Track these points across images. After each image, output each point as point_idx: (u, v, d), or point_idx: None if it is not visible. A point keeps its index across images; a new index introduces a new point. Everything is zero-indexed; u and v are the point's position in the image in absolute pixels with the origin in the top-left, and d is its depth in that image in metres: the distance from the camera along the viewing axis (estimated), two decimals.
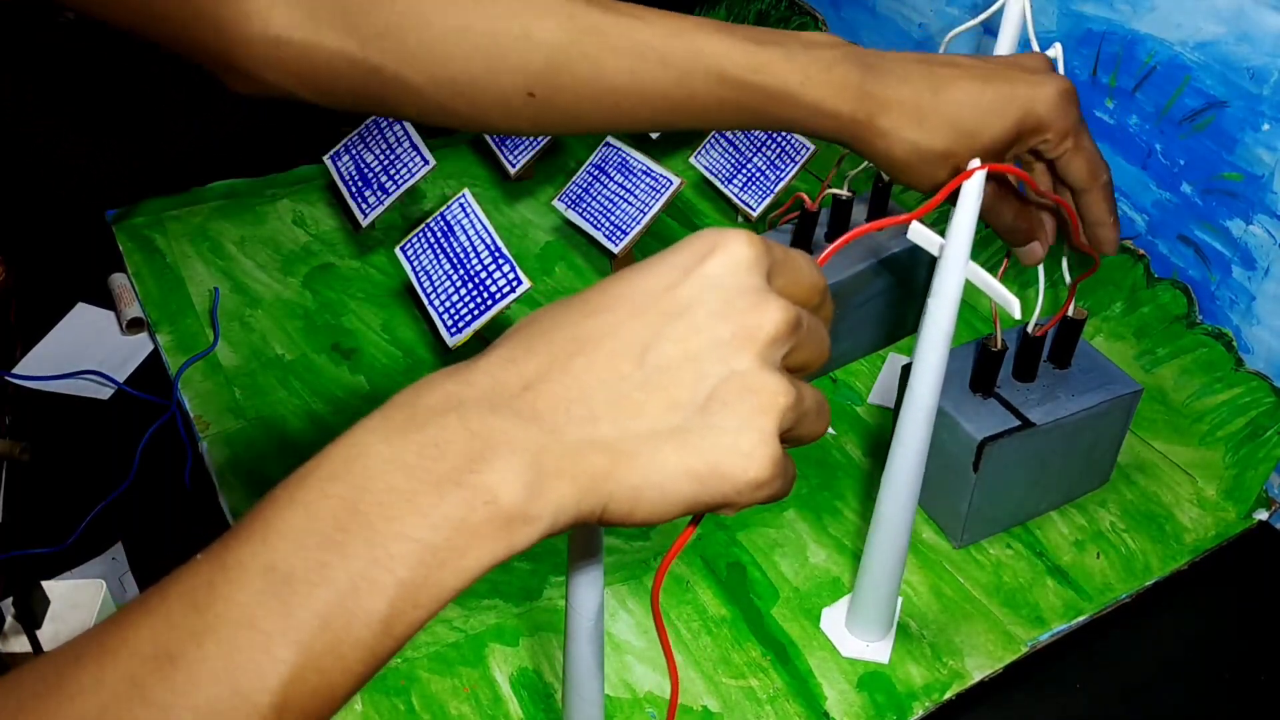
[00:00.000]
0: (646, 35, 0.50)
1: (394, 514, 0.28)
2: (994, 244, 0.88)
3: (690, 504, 0.32)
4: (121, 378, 0.82)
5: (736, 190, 0.96)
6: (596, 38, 0.49)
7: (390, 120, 0.95)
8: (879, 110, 0.50)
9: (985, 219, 0.53)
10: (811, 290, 0.36)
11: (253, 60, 0.48)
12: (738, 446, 0.31)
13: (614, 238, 0.89)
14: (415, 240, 0.86)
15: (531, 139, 1.01)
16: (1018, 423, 0.66)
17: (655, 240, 0.96)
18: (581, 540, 0.46)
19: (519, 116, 0.50)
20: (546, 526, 0.30)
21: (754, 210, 0.94)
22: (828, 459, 0.77)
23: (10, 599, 0.50)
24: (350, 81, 0.49)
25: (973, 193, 0.48)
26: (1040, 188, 0.54)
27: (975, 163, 0.48)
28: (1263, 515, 0.72)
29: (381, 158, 0.94)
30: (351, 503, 0.28)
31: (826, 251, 0.41)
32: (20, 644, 0.50)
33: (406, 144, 0.94)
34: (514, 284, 0.78)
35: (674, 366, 0.32)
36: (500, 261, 0.79)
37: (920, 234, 0.51)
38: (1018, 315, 0.50)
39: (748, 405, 0.32)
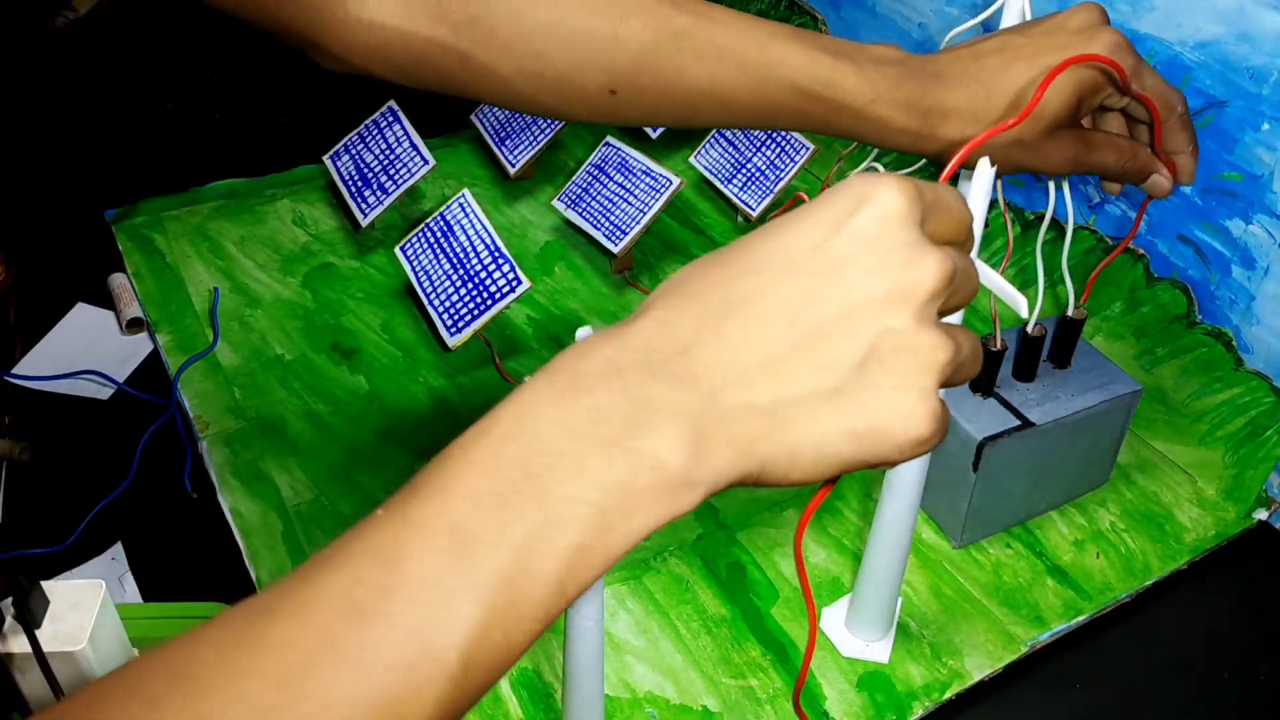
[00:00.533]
0: (729, 41, 0.51)
1: (564, 477, 0.29)
2: (995, 243, 0.88)
3: (850, 463, 0.32)
4: (121, 378, 0.82)
5: (736, 190, 0.96)
6: (681, 41, 0.51)
7: (390, 120, 0.95)
8: (940, 121, 0.52)
9: (1095, 174, 0.56)
10: (961, 227, 0.35)
11: (343, 42, 0.50)
12: (898, 406, 0.31)
13: (614, 237, 0.89)
14: (415, 240, 0.86)
15: (531, 139, 1.01)
16: (1018, 423, 0.66)
17: (655, 240, 0.96)
18: None
19: (597, 111, 0.52)
20: (707, 490, 0.30)
21: (754, 210, 0.94)
22: None
23: (10, 599, 0.50)
24: (438, 68, 0.50)
25: (980, 191, 0.48)
26: (1106, 58, 0.54)
27: (984, 162, 0.48)
28: (1262, 515, 0.72)
29: (381, 158, 0.94)
30: (525, 464, 0.29)
31: (947, 169, 0.41)
32: (20, 644, 0.50)
33: (406, 144, 0.94)
34: (514, 284, 0.78)
35: (828, 327, 0.31)
36: (500, 261, 0.79)
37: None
38: (1025, 314, 0.50)
39: (906, 364, 0.31)
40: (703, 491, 0.30)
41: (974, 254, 0.49)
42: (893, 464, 0.32)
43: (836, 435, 0.31)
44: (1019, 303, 0.49)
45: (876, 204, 0.32)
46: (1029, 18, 0.64)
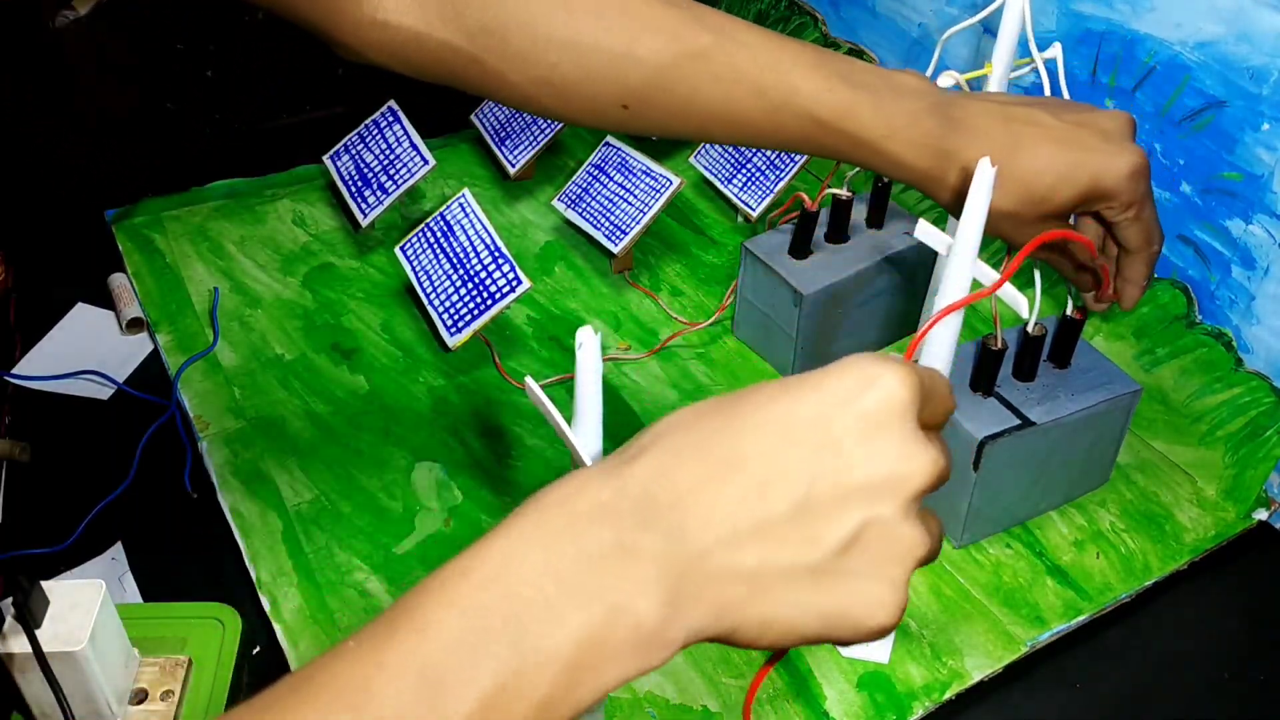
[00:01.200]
0: (746, 65, 0.50)
1: (543, 630, 0.29)
2: (995, 243, 0.88)
3: (814, 639, 0.33)
4: (121, 378, 0.82)
5: (736, 190, 0.96)
6: (699, 63, 0.50)
7: (390, 120, 0.95)
8: (953, 168, 0.51)
9: (1053, 267, 0.58)
10: (946, 413, 0.36)
11: (359, 39, 0.51)
12: (870, 594, 0.32)
13: (614, 237, 0.89)
14: (415, 240, 0.86)
15: (531, 139, 1.01)
16: (1018, 422, 0.66)
17: (655, 240, 0.96)
18: None
19: (609, 122, 0.52)
20: (678, 648, 0.31)
21: (754, 210, 0.94)
22: None
23: (10, 599, 0.50)
24: (451, 68, 0.51)
25: (982, 191, 0.48)
26: (1090, 241, 0.54)
27: (984, 162, 0.48)
28: (1262, 515, 0.72)
29: (381, 157, 0.94)
30: (504, 610, 0.29)
31: (1012, 263, 0.44)
32: (20, 644, 0.50)
33: (406, 144, 0.94)
34: (514, 284, 0.78)
35: (822, 504, 0.32)
36: (500, 261, 0.79)
37: (927, 233, 0.51)
38: (1025, 314, 0.50)
39: (886, 554, 0.32)
40: (675, 649, 0.31)
41: (974, 255, 0.50)
42: (847, 644, 0.34)
43: (809, 613, 0.32)
44: (1019, 303, 0.49)
45: (881, 390, 0.33)
46: (1028, 17, 0.65)
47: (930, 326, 0.46)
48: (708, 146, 0.99)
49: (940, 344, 0.52)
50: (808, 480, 0.32)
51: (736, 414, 0.33)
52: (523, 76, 0.51)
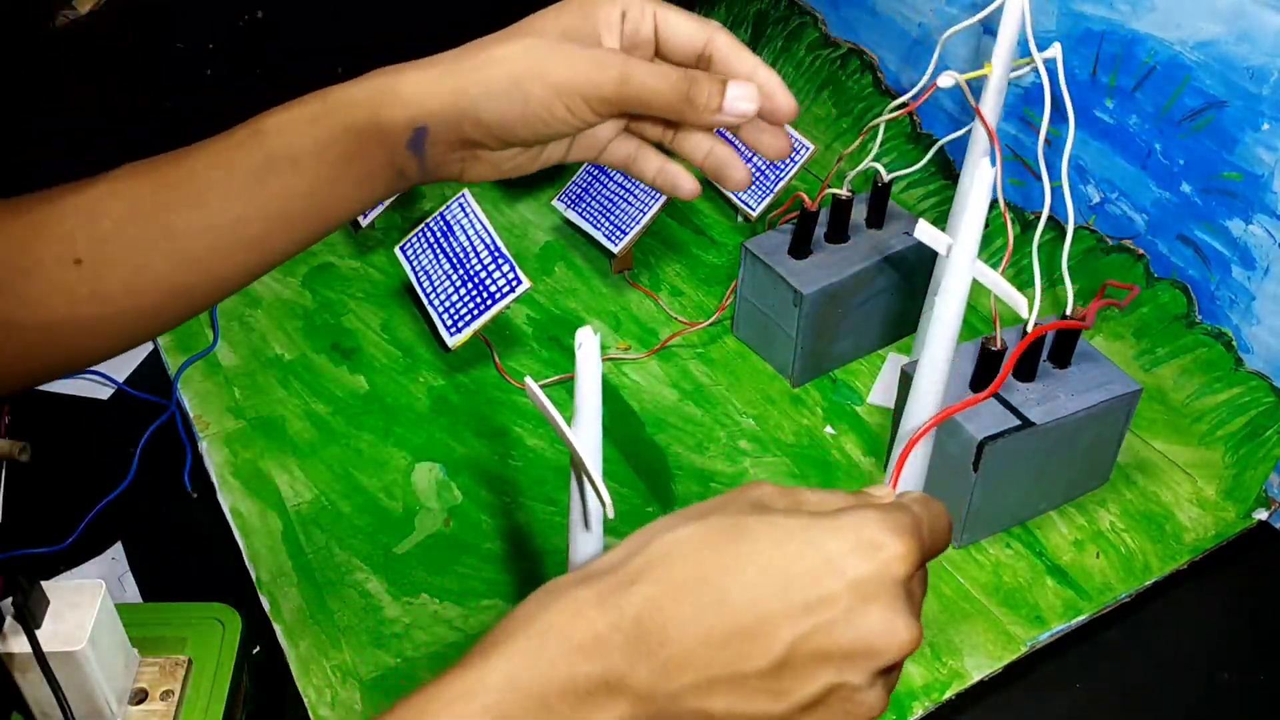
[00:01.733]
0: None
1: None
2: (995, 243, 0.88)
3: None
4: (121, 377, 0.82)
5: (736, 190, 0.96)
6: (128, 175, 0.45)
7: None
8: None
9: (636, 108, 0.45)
10: (939, 553, 0.38)
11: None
12: None
13: (613, 237, 0.89)
14: (415, 240, 0.86)
15: None
16: (1018, 422, 0.66)
17: (655, 240, 0.96)
18: (581, 541, 0.46)
19: (78, 295, 0.44)
20: None
21: (754, 210, 0.94)
22: (827, 458, 0.77)
23: (10, 599, 0.50)
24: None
25: (981, 191, 0.48)
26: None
27: (985, 162, 0.48)
28: (1262, 515, 0.72)
29: None
30: None
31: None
32: (20, 644, 0.50)
33: None
34: (514, 284, 0.78)
35: (797, 662, 0.33)
36: (500, 261, 0.79)
37: (927, 233, 0.51)
38: (1025, 313, 0.50)
39: (843, 714, 0.34)
40: None
41: (974, 255, 0.50)
42: None
43: None
44: (1019, 303, 0.49)
45: (879, 562, 0.34)
46: (1028, 17, 0.64)
47: (910, 448, 0.47)
48: None
49: (939, 344, 0.52)
50: (789, 640, 0.33)
51: (737, 557, 0.34)
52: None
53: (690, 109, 0.44)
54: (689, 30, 0.46)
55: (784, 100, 0.46)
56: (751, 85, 0.45)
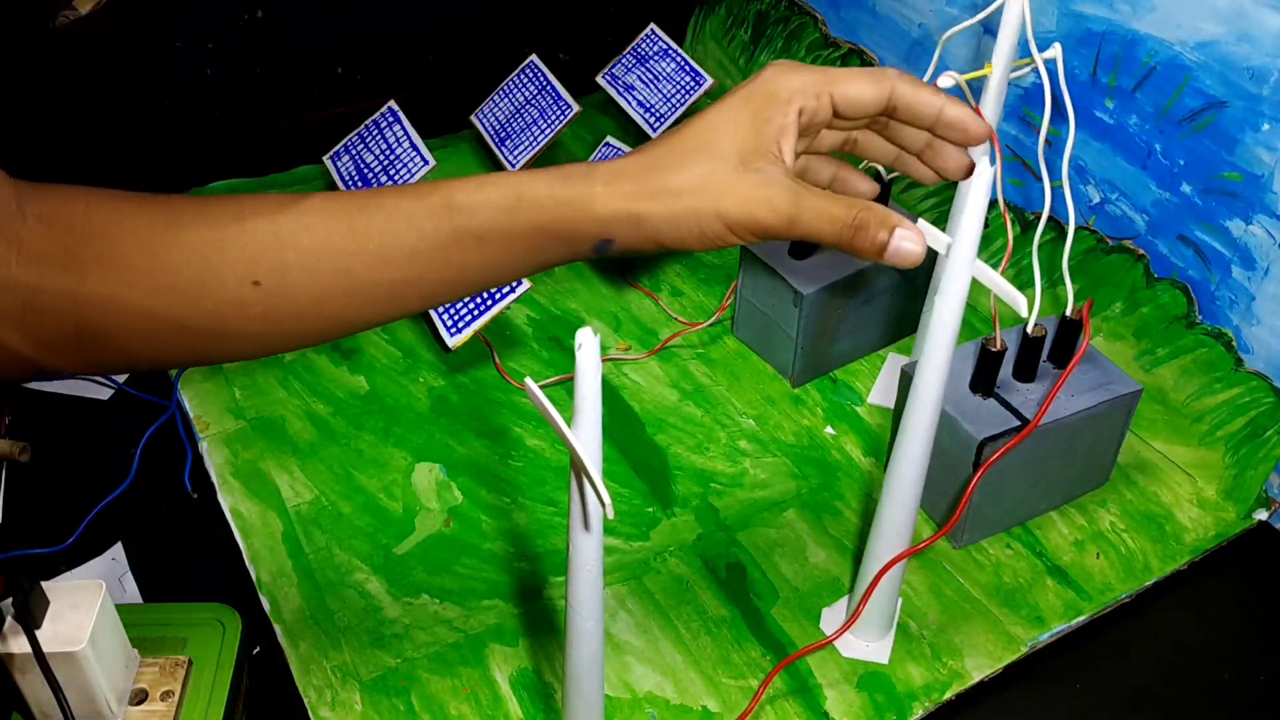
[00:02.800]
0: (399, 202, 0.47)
1: None
2: (995, 243, 0.88)
3: None
4: (121, 377, 0.82)
5: None
6: (317, 214, 0.47)
7: (390, 120, 0.95)
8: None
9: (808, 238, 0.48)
10: None
11: None
12: None
13: None
14: None
15: (531, 139, 1.01)
16: (1018, 423, 0.66)
17: None
18: (581, 541, 0.46)
19: (250, 310, 0.47)
20: None
21: None
22: (827, 459, 0.77)
23: (10, 599, 0.50)
24: (75, 320, 0.46)
25: (980, 191, 0.48)
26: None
27: (984, 161, 0.48)
28: (1262, 515, 0.72)
29: (381, 158, 0.94)
30: None
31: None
32: (20, 644, 0.50)
33: (406, 144, 0.94)
34: (514, 284, 0.78)
35: None
36: None
37: (927, 233, 0.51)
38: (1025, 313, 0.50)
39: None
40: None
41: (974, 254, 0.50)
42: None
43: None
44: (1019, 303, 0.49)
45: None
46: (1028, 18, 0.65)
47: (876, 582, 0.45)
48: None
49: (939, 344, 0.52)
50: None
51: None
52: (143, 293, 0.46)
53: (854, 250, 0.46)
54: (866, 96, 0.48)
55: (975, 129, 0.49)
56: (918, 230, 0.46)
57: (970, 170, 0.51)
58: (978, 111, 0.49)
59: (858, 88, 0.48)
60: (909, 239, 0.46)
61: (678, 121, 0.98)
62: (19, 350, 0.46)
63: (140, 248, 0.46)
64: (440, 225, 0.46)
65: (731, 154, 0.46)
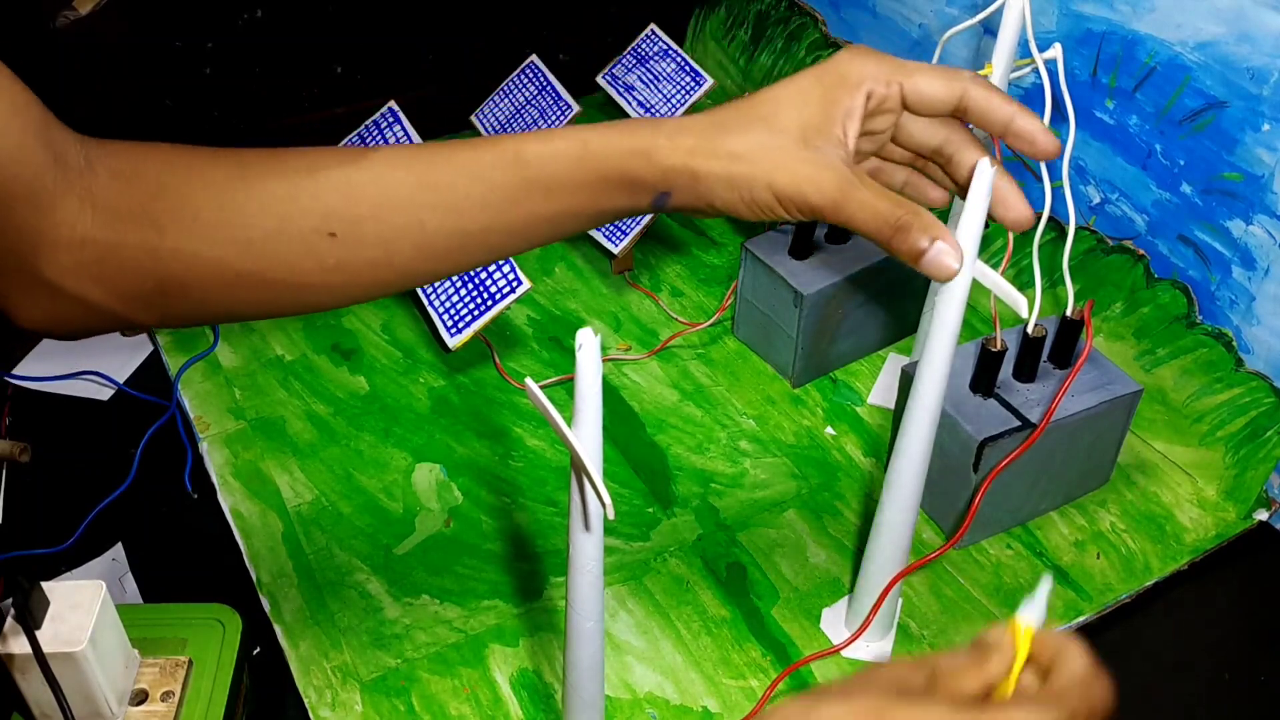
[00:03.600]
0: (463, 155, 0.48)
1: None
2: (995, 243, 0.88)
3: None
4: (121, 378, 0.82)
5: None
6: (389, 166, 0.48)
7: (390, 121, 0.95)
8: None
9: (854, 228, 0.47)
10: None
11: (56, 266, 0.46)
12: None
13: (614, 238, 0.89)
14: None
15: None
16: (1018, 423, 0.66)
17: (655, 240, 0.96)
18: (581, 541, 0.46)
19: (326, 260, 0.48)
20: None
21: None
22: (828, 459, 0.77)
23: (10, 599, 0.50)
24: (154, 275, 0.47)
25: (981, 191, 0.48)
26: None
27: (984, 161, 0.48)
28: (1263, 515, 0.72)
29: None
30: None
31: None
32: (20, 644, 0.50)
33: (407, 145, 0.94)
34: (514, 284, 0.78)
35: None
36: (500, 262, 0.79)
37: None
38: (1025, 313, 0.50)
39: None
40: None
41: (974, 255, 0.49)
42: None
43: None
44: (1019, 303, 0.49)
45: None
46: (1029, 18, 0.65)
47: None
48: None
49: (939, 344, 0.52)
50: None
51: None
52: (220, 245, 0.47)
53: (892, 249, 0.46)
54: (939, 92, 0.48)
55: (1044, 143, 0.48)
56: (958, 247, 0.46)
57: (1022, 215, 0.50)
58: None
59: (930, 83, 0.48)
60: (948, 253, 0.45)
61: None
62: (101, 303, 0.47)
63: (215, 202, 0.47)
64: (510, 176, 0.48)
65: (794, 128, 0.47)
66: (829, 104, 0.47)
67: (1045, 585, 0.40)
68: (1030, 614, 0.38)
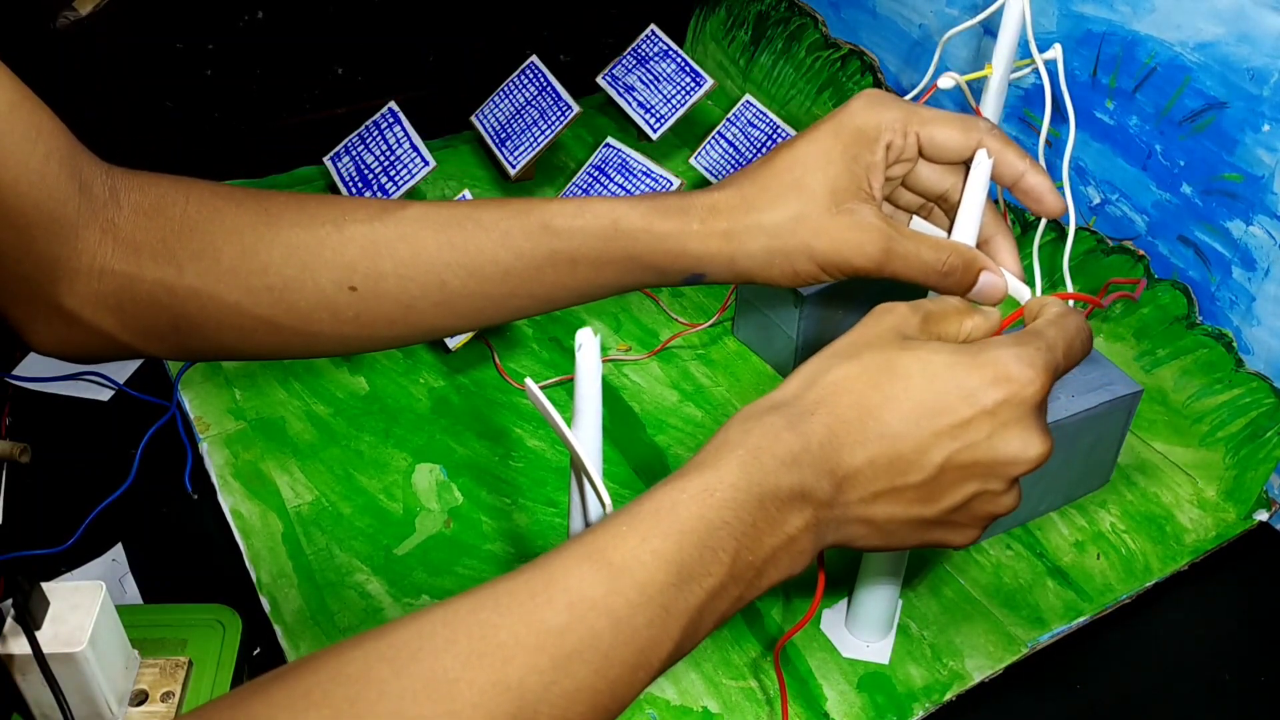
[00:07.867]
0: (478, 213, 0.49)
1: (750, 546, 0.37)
2: None
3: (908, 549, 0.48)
4: (121, 379, 0.82)
5: None
6: (416, 224, 0.48)
7: (390, 121, 0.95)
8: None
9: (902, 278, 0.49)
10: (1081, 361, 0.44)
11: (74, 295, 0.46)
12: (961, 535, 0.43)
13: None
14: None
15: (532, 140, 1.01)
16: None
17: None
18: None
19: (336, 311, 0.48)
20: (815, 558, 0.41)
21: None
22: None
23: (10, 600, 0.50)
24: (170, 311, 0.47)
25: (979, 185, 0.48)
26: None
27: (982, 154, 0.48)
28: (1263, 516, 0.72)
29: (381, 158, 0.94)
30: (719, 521, 0.37)
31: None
32: (20, 645, 0.49)
33: (406, 145, 0.94)
34: None
35: (948, 476, 0.40)
36: None
37: (925, 230, 0.51)
38: (1025, 299, 0.50)
39: (983, 513, 0.42)
40: (812, 559, 0.40)
41: (972, 244, 0.50)
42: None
43: (910, 542, 0.42)
44: (1021, 292, 0.50)
45: (1014, 392, 0.40)
46: (1029, 18, 0.64)
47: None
48: (708, 147, 0.99)
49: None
50: (939, 461, 0.40)
51: (894, 394, 0.40)
52: (239, 289, 0.47)
53: (943, 291, 0.49)
54: (955, 143, 0.49)
55: (1051, 203, 0.50)
56: (1000, 272, 0.49)
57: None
58: (1041, 173, 0.50)
59: (945, 133, 0.48)
60: (993, 284, 0.49)
61: (678, 122, 0.98)
62: (115, 334, 0.47)
63: (237, 245, 0.47)
64: (537, 246, 0.48)
65: (823, 193, 0.47)
66: (851, 161, 0.47)
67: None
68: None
